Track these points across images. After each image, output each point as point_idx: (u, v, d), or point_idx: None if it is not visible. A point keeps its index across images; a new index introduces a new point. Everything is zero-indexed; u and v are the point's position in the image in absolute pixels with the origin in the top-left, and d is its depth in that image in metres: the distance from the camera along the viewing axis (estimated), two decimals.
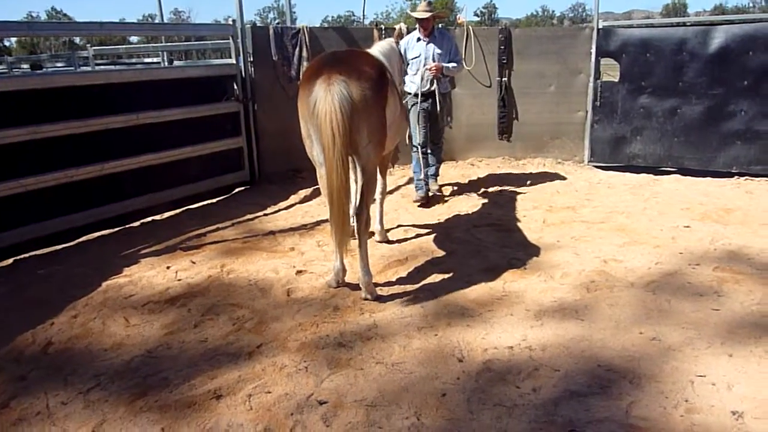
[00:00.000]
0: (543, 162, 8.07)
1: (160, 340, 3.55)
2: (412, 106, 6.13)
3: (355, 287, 4.10)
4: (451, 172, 7.67)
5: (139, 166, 5.84)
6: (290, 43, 7.12)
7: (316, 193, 6.74)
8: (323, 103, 3.57)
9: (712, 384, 2.95)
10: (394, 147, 4.91)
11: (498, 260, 4.64)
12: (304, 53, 7.10)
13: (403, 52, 5.90)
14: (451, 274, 4.40)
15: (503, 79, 7.85)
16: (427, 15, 6.00)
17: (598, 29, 7.50)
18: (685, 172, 7.37)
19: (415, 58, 6.11)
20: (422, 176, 6.36)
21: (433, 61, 6.02)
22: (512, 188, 6.96)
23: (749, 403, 2.78)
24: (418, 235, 5.33)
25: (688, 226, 5.35)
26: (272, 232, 5.49)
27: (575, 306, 3.84)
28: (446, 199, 6.58)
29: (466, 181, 7.32)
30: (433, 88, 6.05)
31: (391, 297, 4.04)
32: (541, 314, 3.74)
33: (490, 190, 6.95)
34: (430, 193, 6.42)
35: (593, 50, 7.54)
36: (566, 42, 7.76)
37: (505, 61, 7.80)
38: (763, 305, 3.77)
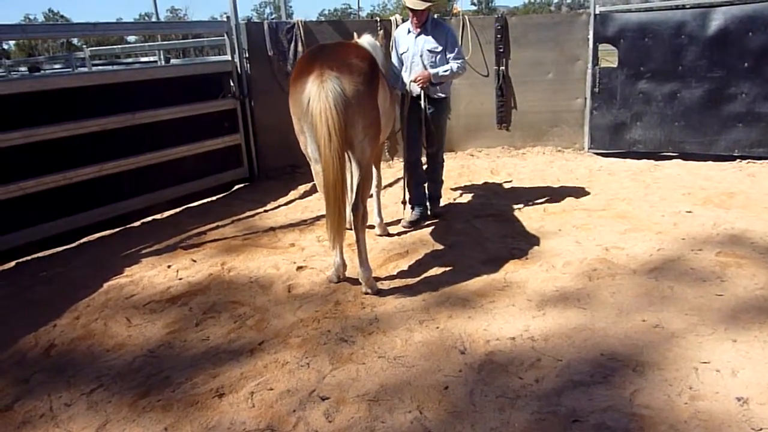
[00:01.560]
0: (542, 150, 8.04)
1: (161, 340, 3.55)
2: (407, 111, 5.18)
3: (356, 282, 4.08)
4: (450, 163, 7.59)
5: (137, 166, 5.83)
6: (285, 38, 7.08)
7: (316, 189, 6.68)
8: (317, 100, 3.52)
9: (716, 370, 2.93)
10: (386, 138, 4.74)
11: (499, 250, 4.62)
12: (300, 48, 7.06)
13: (395, 43, 5.33)
14: (452, 266, 4.38)
15: (501, 68, 7.80)
16: (423, 6, 4.95)
17: (595, 15, 7.43)
18: (686, 156, 7.31)
19: (404, 53, 5.19)
20: (417, 193, 5.45)
21: (421, 58, 5.06)
22: (512, 178, 6.93)
23: (754, 389, 2.77)
24: (418, 228, 5.30)
25: (690, 212, 5.31)
26: (272, 229, 5.48)
27: (577, 295, 3.82)
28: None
29: (466, 172, 7.28)
30: (419, 93, 5.07)
31: (392, 291, 4.03)
32: (543, 304, 3.72)
33: (490, 180, 6.92)
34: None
35: (590, 36, 7.48)
36: (563, 29, 7.70)
37: (502, 50, 7.74)
38: (767, 289, 3.74)
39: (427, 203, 5.57)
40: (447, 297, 3.90)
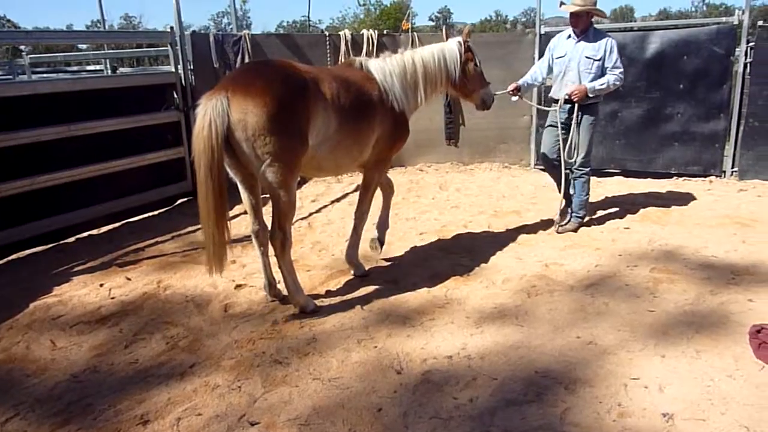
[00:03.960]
0: (490, 167, 8.15)
1: (87, 363, 3.39)
2: (550, 114, 5.45)
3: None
4: (399, 178, 7.64)
5: (72, 180, 5.60)
6: (232, 51, 6.98)
7: (262, 202, 6.61)
8: (198, 120, 3.42)
9: (644, 387, 2.98)
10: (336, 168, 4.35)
11: (442, 267, 4.62)
12: (247, 60, 6.96)
13: (550, 50, 5.39)
14: (394, 283, 4.36)
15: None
16: (576, 8, 4.94)
17: (541, 34, 7.62)
18: (627, 173, 7.54)
19: (560, 57, 5.24)
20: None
21: (578, 64, 5.11)
22: (459, 194, 6.99)
23: (679, 405, 2.82)
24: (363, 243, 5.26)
25: (627, 228, 5.46)
26: None
27: (515, 312, 3.85)
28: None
29: (415, 187, 7.31)
30: (570, 98, 5.09)
31: (333, 309, 3.97)
32: (481, 321, 3.73)
33: (438, 195, 6.96)
34: (559, 229, 5.41)
35: (536, 55, 7.65)
36: (511, 47, 7.86)
37: None
38: (695, 305, 3.86)
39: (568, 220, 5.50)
40: (388, 315, 3.86)
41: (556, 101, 5.24)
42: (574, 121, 5.15)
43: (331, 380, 3.12)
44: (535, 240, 5.22)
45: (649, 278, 4.29)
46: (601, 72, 5.09)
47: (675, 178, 7.26)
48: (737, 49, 6.87)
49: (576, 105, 5.09)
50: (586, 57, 5.09)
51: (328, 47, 7.41)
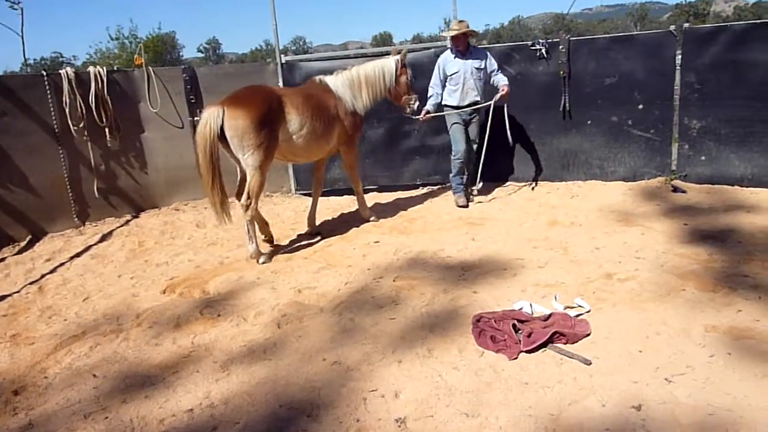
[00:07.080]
0: None
1: None
2: (453, 117, 6.77)
3: (13, 384, 3.42)
4: (152, 221, 7.14)
5: None
6: None
7: None
8: (201, 120, 5.11)
9: (381, 396, 3.10)
10: (323, 153, 5.97)
11: (189, 312, 4.36)
12: None
13: (441, 68, 6.72)
14: (134, 340, 3.99)
15: (195, 118, 7.62)
16: (455, 32, 6.57)
17: (282, 64, 7.77)
18: (382, 189, 8.00)
19: (454, 73, 6.66)
20: (461, 182, 6.94)
21: (471, 74, 6.62)
22: (218, 229, 6.73)
23: (411, 407, 2.98)
24: (99, 296, 4.76)
25: (377, 241, 5.74)
26: None
27: (264, 346, 3.77)
28: (142, 249, 6.07)
29: (169, 229, 6.86)
30: (475, 101, 6.70)
31: (59, 384, 3.48)
32: (228, 363, 3.58)
33: (195, 234, 6.63)
34: (473, 196, 7.12)
35: (281, 83, 7.77)
36: (254, 77, 7.80)
37: (194, 101, 7.58)
38: (431, 305, 4.16)
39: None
40: (125, 377, 3.51)
41: (457, 107, 6.70)
42: (484, 115, 6.81)
43: None
44: (291, 266, 5.23)
45: (392, 287, 4.54)
46: (487, 76, 6.73)
47: (420, 188, 7.91)
48: None
49: (478, 106, 6.73)
50: (476, 68, 6.68)
51: (47, 87, 6.59)
